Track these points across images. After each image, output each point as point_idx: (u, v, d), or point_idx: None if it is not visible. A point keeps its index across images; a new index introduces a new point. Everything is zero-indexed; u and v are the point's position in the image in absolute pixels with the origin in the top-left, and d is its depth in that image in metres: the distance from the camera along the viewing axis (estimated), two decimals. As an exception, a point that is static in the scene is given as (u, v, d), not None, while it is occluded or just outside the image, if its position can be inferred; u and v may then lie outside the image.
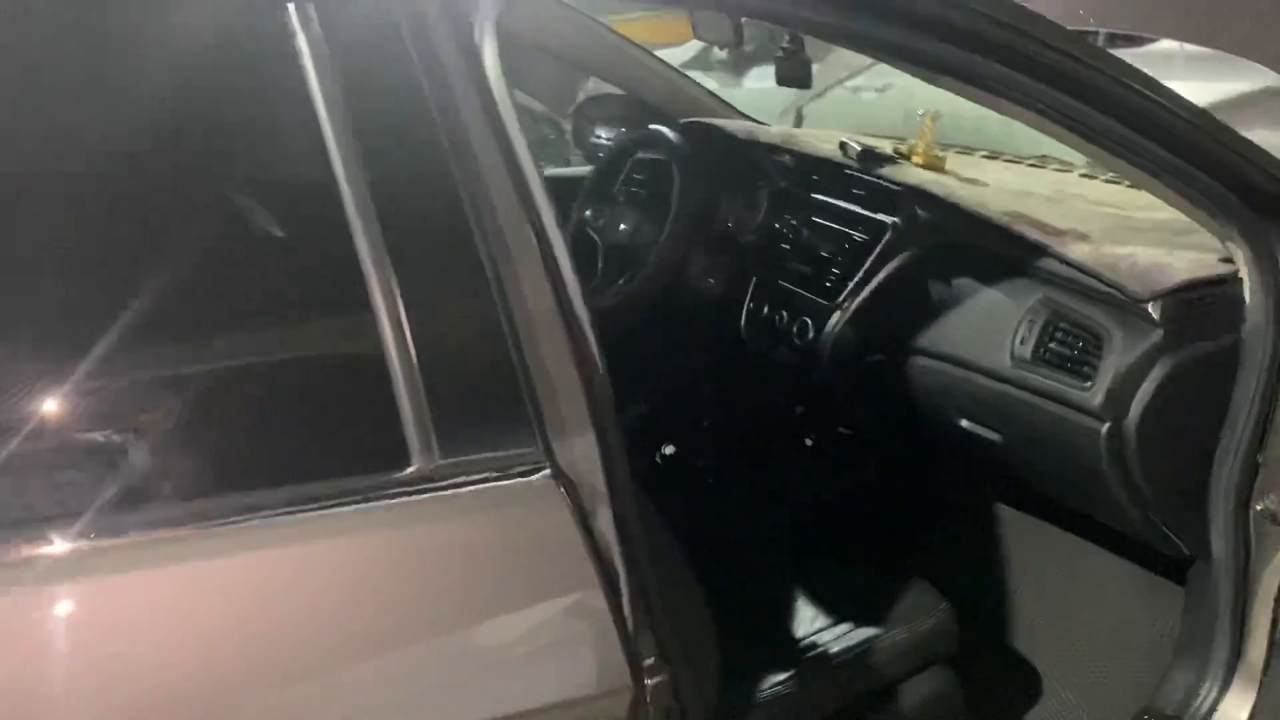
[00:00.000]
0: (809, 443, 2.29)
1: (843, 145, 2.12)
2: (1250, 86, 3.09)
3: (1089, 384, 1.55)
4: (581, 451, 0.95)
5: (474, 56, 0.97)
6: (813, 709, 1.51)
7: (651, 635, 0.98)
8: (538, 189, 0.96)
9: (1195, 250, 1.60)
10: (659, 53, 2.75)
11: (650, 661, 0.98)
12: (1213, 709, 1.68)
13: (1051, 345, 1.63)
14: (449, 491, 0.89)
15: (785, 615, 1.62)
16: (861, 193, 2.04)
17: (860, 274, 1.93)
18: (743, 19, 1.85)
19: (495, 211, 0.93)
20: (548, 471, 0.93)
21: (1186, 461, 1.58)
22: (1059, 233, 1.70)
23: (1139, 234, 1.71)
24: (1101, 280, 1.58)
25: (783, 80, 1.99)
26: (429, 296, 0.91)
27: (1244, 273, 1.52)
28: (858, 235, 1.98)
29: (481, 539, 0.92)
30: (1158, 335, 1.52)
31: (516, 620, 0.91)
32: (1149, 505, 1.60)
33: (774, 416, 2.34)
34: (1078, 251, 1.64)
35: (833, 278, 1.97)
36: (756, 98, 3.54)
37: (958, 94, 1.37)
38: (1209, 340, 1.53)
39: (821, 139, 2.26)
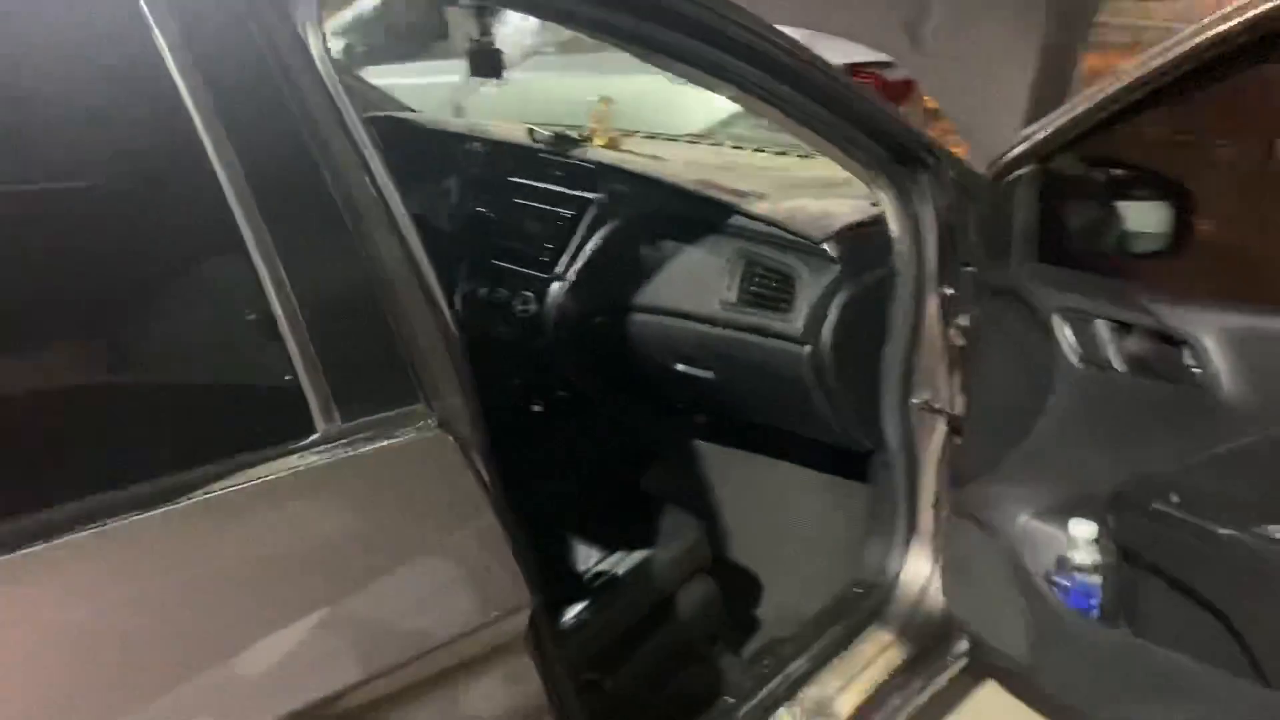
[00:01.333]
0: (538, 409, 2.45)
1: (531, 131, 2.30)
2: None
3: (790, 315, 1.85)
4: (454, 404, 1.05)
5: (304, 52, 1.02)
6: (612, 626, 1.68)
7: (526, 562, 1.10)
8: (388, 185, 1.05)
9: (849, 198, 1.96)
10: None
11: (528, 585, 1.10)
12: (900, 570, 2.08)
13: (752, 288, 1.92)
14: (352, 450, 0.96)
15: (569, 556, 1.78)
16: (559, 173, 2.22)
17: (574, 246, 2.12)
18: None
19: (359, 207, 1.01)
20: (435, 424, 1.02)
21: (867, 370, 1.93)
22: (742, 194, 2.00)
23: (803, 189, 2.05)
24: (784, 229, 1.88)
25: (476, 70, 2.11)
26: (316, 288, 0.96)
27: (889, 213, 1.89)
28: (564, 211, 2.16)
29: (389, 488, 0.99)
30: (836, 269, 1.85)
31: (429, 557, 1.00)
32: (842, 411, 1.94)
33: (501, 389, 2.47)
34: (761, 207, 1.94)
35: (548, 252, 2.14)
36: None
37: (667, 70, 1.56)
38: (873, 270, 1.89)
39: (506, 127, 2.42)
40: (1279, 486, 1.39)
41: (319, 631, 0.90)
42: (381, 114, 2.44)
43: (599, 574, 1.73)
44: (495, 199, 2.29)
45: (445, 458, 1.02)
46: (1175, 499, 1.50)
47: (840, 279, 1.85)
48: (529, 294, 2.14)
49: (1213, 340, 1.42)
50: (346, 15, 4.81)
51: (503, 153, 2.33)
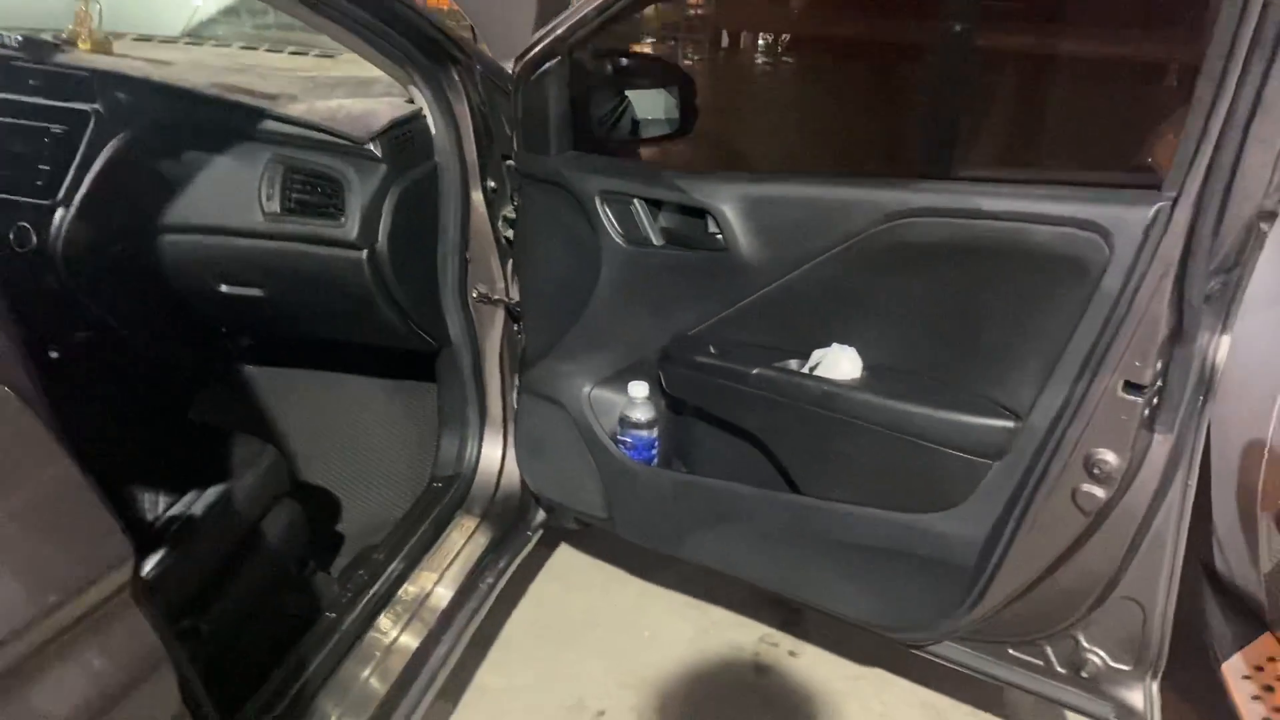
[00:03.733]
0: (54, 355, 2.14)
1: (-7, 37, 1.96)
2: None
3: (342, 220, 1.81)
4: None
5: None
6: (199, 569, 1.57)
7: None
8: None
9: (383, 97, 1.93)
10: None
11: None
12: (479, 456, 2.16)
13: (296, 195, 1.84)
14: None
15: (136, 506, 1.62)
16: (39, 83, 1.92)
17: (75, 166, 1.86)
18: None
19: None
20: None
21: (425, 268, 1.95)
22: (271, 96, 1.88)
23: (334, 89, 1.98)
24: (325, 131, 1.82)
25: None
26: None
27: (427, 110, 1.90)
28: (55, 128, 1.88)
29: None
30: (383, 169, 1.82)
31: (14, 524, 0.87)
32: (405, 312, 1.94)
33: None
34: (296, 110, 1.84)
35: (43, 174, 1.86)
36: None
37: None
38: (419, 166, 1.89)
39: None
40: (787, 327, 1.65)
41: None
42: None
43: (173, 519, 1.60)
44: (-42, 117, 1.93)
45: (6, 412, 0.89)
46: (712, 350, 1.72)
47: (389, 179, 1.83)
48: (25, 225, 1.85)
49: (729, 208, 1.63)
50: None
51: (-40, 62, 1.96)
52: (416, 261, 1.92)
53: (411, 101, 1.90)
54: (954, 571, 1.53)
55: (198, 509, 1.63)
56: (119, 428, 1.90)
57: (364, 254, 1.81)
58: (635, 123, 1.96)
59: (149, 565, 1.52)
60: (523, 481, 2.11)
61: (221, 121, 1.86)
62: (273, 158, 1.84)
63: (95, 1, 2.07)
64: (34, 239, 1.86)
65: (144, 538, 1.55)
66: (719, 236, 1.64)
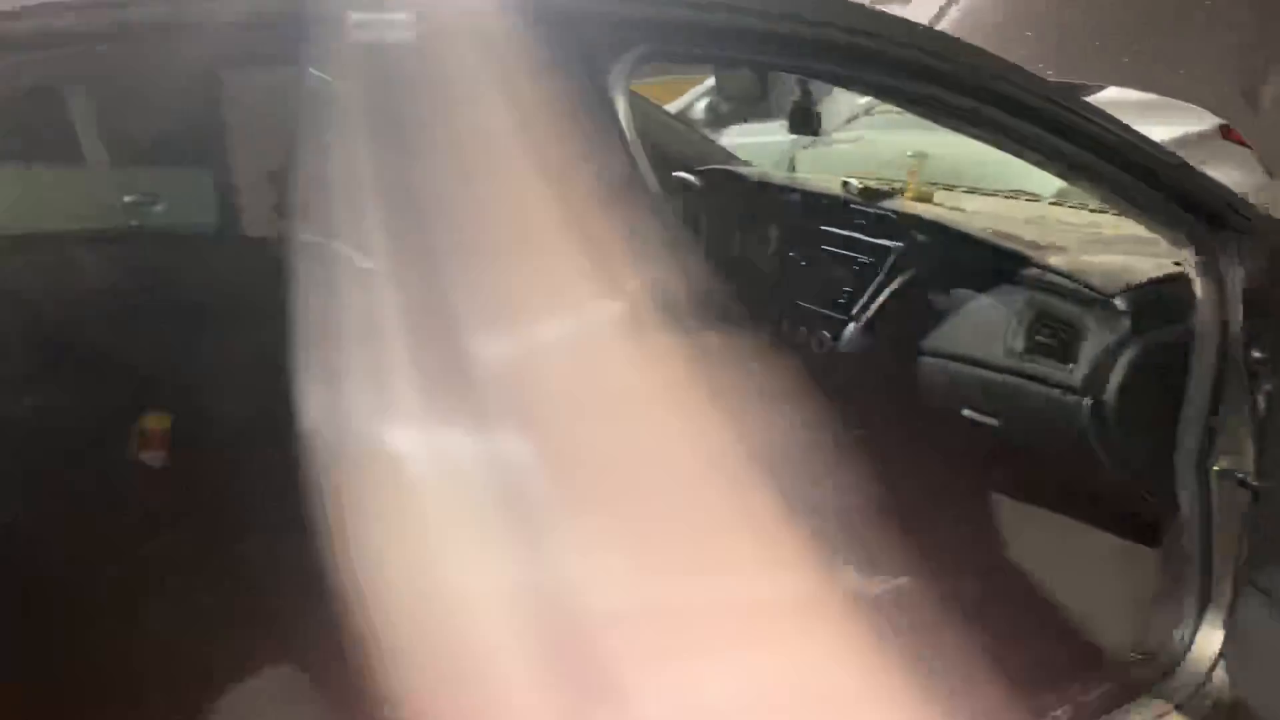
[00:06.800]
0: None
1: (844, 184, 2.47)
2: (1193, 128, 3.50)
3: (1072, 367, 1.88)
4: None
5: (611, 112, 1.25)
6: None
7: None
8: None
9: (1154, 256, 1.94)
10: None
11: None
12: (1190, 644, 1.98)
13: (1038, 338, 1.96)
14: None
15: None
16: (864, 223, 2.37)
17: (870, 291, 2.25)
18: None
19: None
20: None
21: (1155, 428, 1.90)
22: (1039, 247, 2.04)
23: (1109, 246, 2.06)
24: (1078, 282, 1.91)
25: (795, 128, 2.32)
26: None
27: (1194, 275, 1.86)
28: (865, 258, 2.31)
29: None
30: (1126, 325, 1.85)
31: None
32: (1127, 469, 1.91)
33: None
34: (1058, 260, 1.97)
35: (846, 295, 2.29)
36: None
37: (972, 137, 1.67)
38: (1170, 327, 1.86)
39: (822, 180, 2.61)
40: None
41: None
42: (715, 167, 2.72)
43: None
44: (807, 245, 2.48)
45: None
46: None
47: (1129, 335, 1.85)
48: (825, 333, 2.30)
49: None
50: (710, 81, 5.27)
51: (817, 203, 2.51)
52: (1149, 421, 1.88)
53: (1179, 264, 1.88)
54: None
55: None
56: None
57: (1085, 401, 1.85)
58: None
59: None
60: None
61: (990, 264, 2.08)
62: (1026, 301, 1.99)
63: (925, 158, 2.46)
64: (827, 343, 2.29)
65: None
66: None
